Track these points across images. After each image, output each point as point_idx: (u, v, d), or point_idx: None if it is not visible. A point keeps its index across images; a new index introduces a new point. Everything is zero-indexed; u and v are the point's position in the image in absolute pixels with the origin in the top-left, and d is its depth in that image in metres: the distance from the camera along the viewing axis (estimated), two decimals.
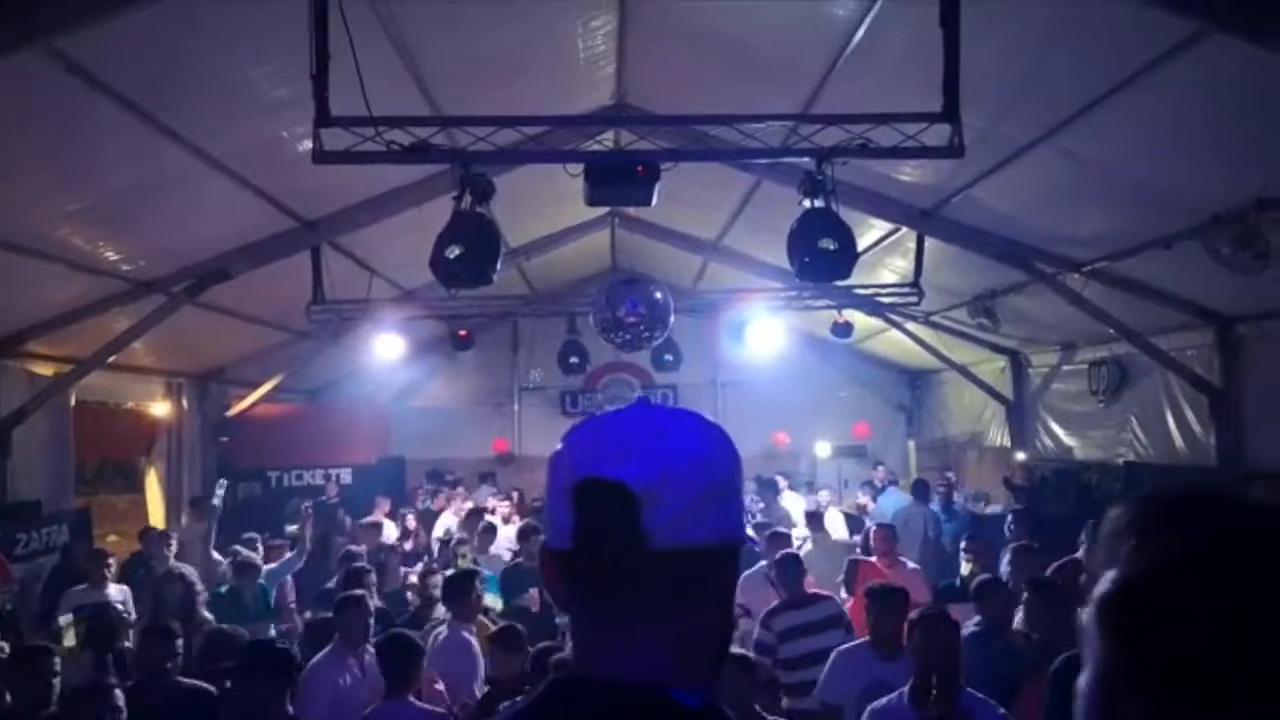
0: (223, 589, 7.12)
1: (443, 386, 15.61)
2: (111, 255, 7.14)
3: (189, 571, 6.63)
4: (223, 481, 8.23)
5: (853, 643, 5.08)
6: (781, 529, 8.32)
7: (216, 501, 7.87)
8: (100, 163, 5.88)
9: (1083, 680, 0.81)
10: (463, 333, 12.54)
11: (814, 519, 9.45)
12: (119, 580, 7.41)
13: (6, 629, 6.25)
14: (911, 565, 7.50)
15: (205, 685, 4.55)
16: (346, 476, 12.66)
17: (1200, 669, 0.72)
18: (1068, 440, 10.91)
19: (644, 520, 0.97)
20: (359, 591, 5.75)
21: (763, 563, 7.39)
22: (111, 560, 7.44)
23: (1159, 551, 0.77)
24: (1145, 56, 4.79)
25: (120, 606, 6.74)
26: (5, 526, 7.50)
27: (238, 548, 8.14)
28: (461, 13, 5.76)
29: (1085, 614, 0.82)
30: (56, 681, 4.15)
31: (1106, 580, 0.79)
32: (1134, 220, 6.83)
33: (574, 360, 13.36)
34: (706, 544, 1.00)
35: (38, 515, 7.96)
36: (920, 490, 10.85)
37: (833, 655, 4.90)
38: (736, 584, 1.10)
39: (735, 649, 4.51)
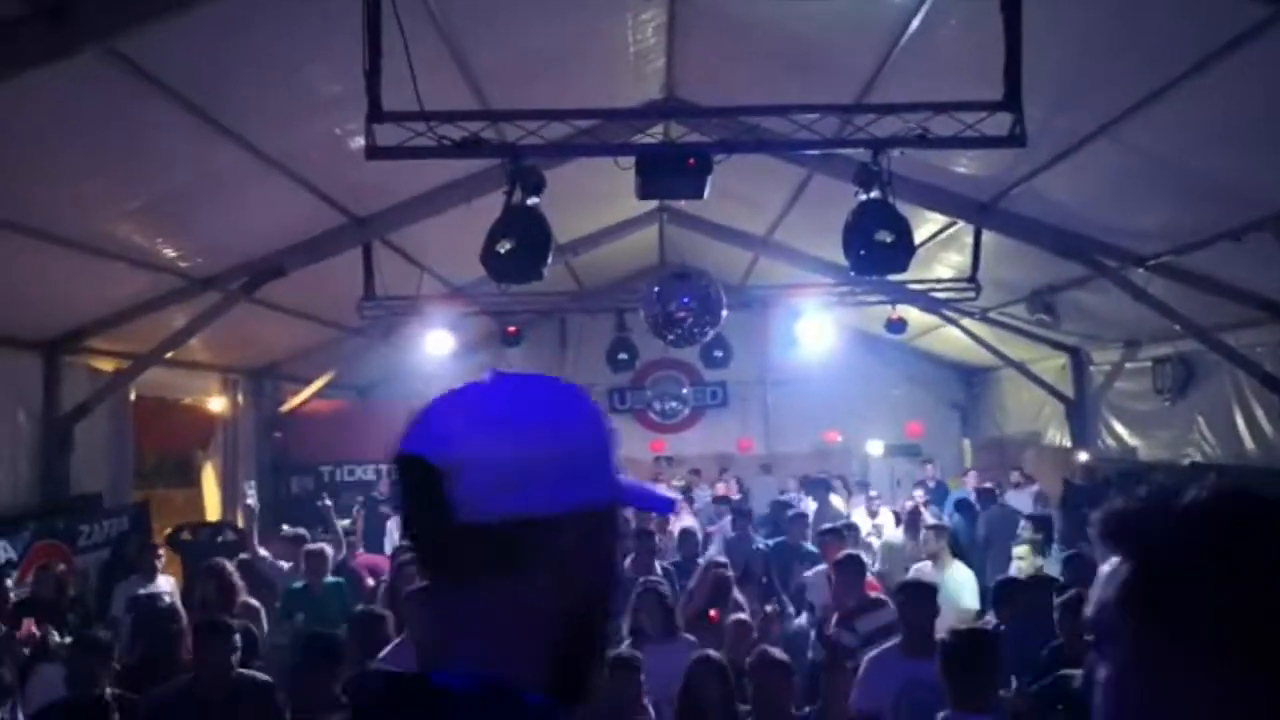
0: (297, 584, 6.97)
1: None
2: (170, 252, 7.26)
3: (223, 565, 6.61)
4: (251, 482, 8.35)
5: (883, 646, 4.95)
6: (835, 526, 8.21)
7: (251, 502, 7.97)
8: (159, 162, 5.97)
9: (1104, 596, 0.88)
10: (512, 329, 12.56)
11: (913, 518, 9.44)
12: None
13: (74, 618, 6.38)
14: (964, 569, 7.34)
15: (263, 676, 4.59)
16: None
17: None
18: (1131, 440, 10.63)
19: (449, 493, 0.93)
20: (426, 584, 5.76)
21: (822, 565, 7.30)
22: (162, 552, 7.56)
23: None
24: (1212, 43, 4.61)
25: (169, 598, 6.81)
26: (69, 519, 7.68)
27: (293, 531, 8.15)
28: (511, 7, 5.76)
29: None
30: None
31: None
32: (1201, 212, 6.60)
33: (622, 357, 13.31)
34: (530, 515, 0.94)
35: (99, 508, 8.15)
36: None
37: (864, 662, 4.78)
38: (594, 562, 1.00)
39: (711, 652, 4.47)
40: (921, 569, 7.16)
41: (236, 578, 6.37)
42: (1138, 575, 0.85)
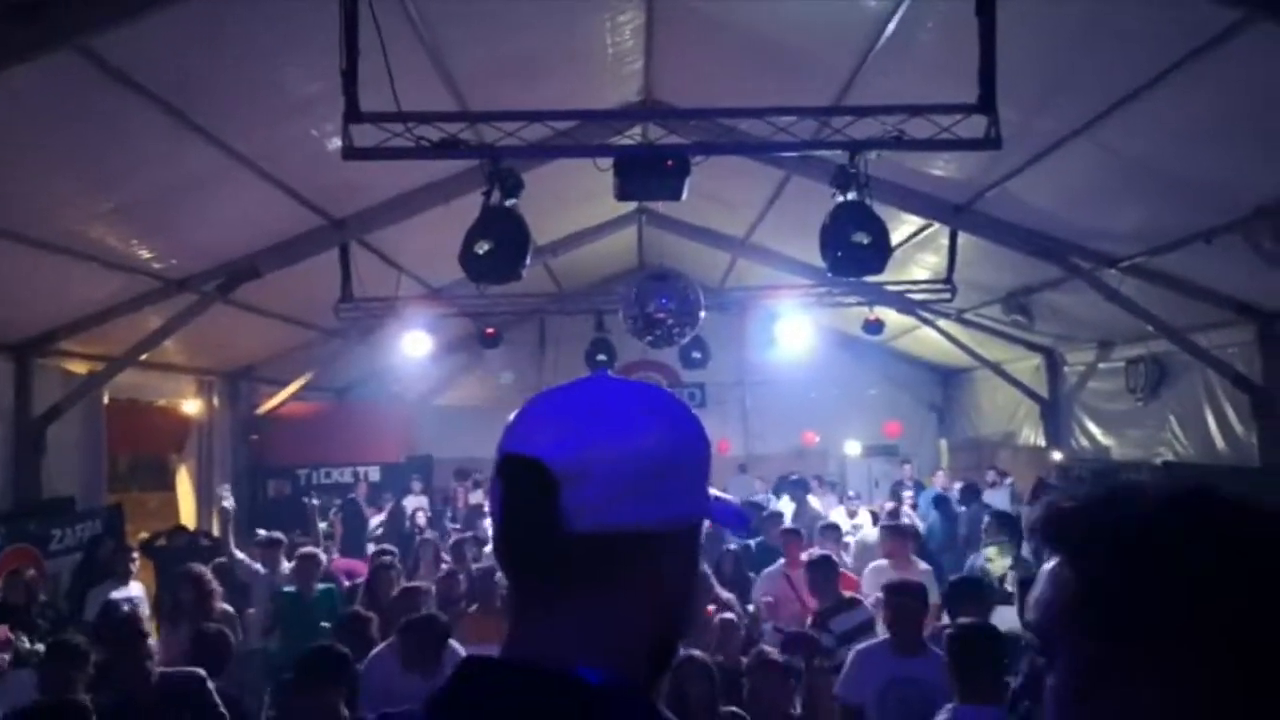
0: (289, 589, 6.88)
1: (470, 384, 15.65)
2: (144, 254, 7.19)
3: (202, 571, 6.55)
4: (226, 485, 8.32)
5: (871, 641, 5.03)
6: (797, 527, 8.24)
7: (227, 504, 7.91)
8: (133, 162, 5.92)
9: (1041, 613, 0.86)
10: (490, 330, 12.54)
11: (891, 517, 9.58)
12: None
13: (44, 623, 6.31)
14: (923, 566, 7.40)
15: (193, 670, 4.55)
16: (374, 474, 12.71)
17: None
18: (1104, 440, 10.74)
19: (564, 500, 0.91)
20: (419, 583, 5.84)
21: (781, 561, 7.35)
22: (136, 556, 7.49)
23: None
24: (1185, 47, 4.67)
25: (132, 604, 6.74)
26: (40, 523, 7.59)
27: (263, 535, 8.06)
28: (489, 9, 5.74)
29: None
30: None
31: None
32: (1173, 214, 6.68)
33: (601, 358, 13.31)
34: (640, 527, 0.93)
35: (71, 512, 8.04)
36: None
37: (851, 655, 4.85)
38: (684, 573, 1.01)
39: (695, 651, 4.52)
40: (878, 567, 7.21)
41: (215, 584, 6.32)
42: (1086, 583, 0.82)
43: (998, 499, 10.71)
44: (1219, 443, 8.34)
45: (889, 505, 11.21)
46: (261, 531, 8.46)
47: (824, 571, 6.27)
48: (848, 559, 8.68)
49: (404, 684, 4.72)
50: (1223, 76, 4.78)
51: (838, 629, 5.81)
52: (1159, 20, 4.63)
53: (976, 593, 5.43)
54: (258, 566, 7.53)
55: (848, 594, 6.30)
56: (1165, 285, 7.62)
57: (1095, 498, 0.87)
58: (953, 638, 3.94)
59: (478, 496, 12.21)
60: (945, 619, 5.63)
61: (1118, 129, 5.73)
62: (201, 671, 4.48)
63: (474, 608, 6.36)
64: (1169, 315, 7.98)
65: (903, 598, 4.90)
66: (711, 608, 5.95)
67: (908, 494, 11.66)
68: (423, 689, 4.45)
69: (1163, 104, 5.24)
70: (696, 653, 4.54)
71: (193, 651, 5.02)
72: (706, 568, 6.74)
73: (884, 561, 7.30)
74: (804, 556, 7.03)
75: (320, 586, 6.90)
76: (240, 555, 7.58)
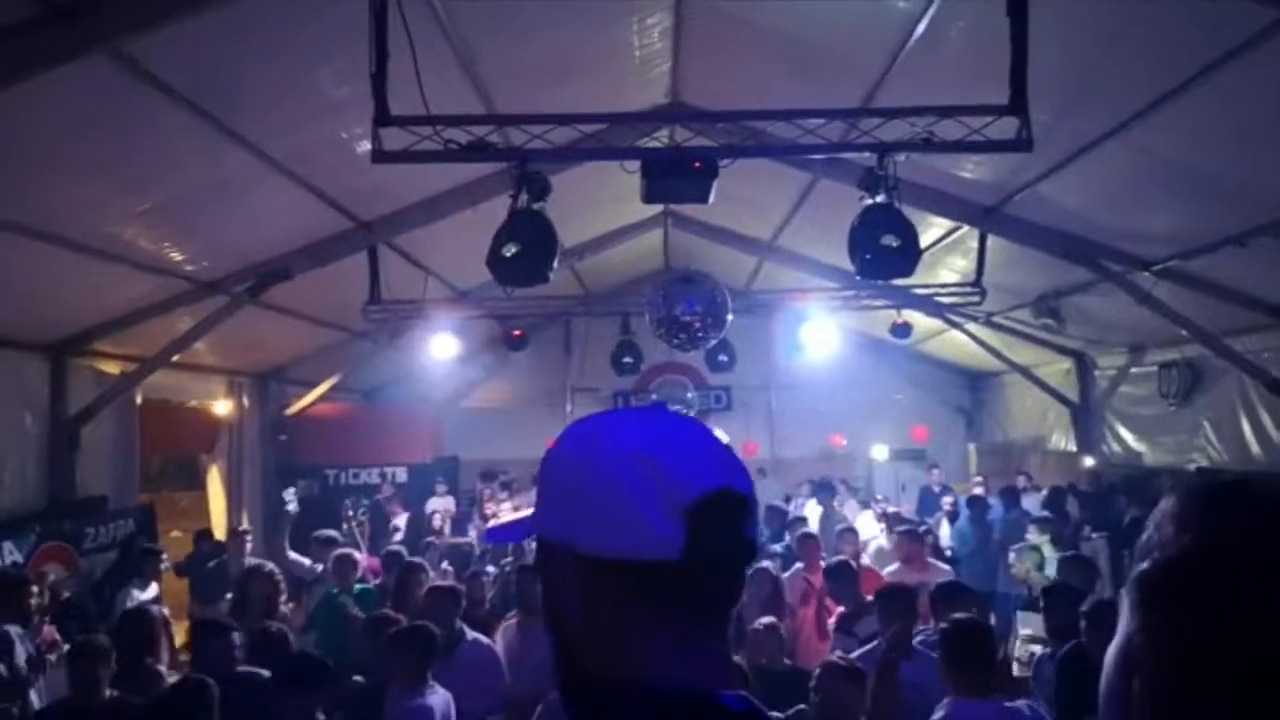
0: (335, 591, 6.82)
1: (496, 386, 15.70)
2: (176, 256, 7.28)
3: (274, 569, 6.57)
4: (291, 490, 8.38)
5: (867, 647, 4.97)
6: (810, 531, 8.20)
7: (290, 507, 7.96)
8: (166, 165, 5.99)
9: (1111, 648, 0.84)
10: (517, 332, 12.57)
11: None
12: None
13: (74, 621, 6.39)
14: (943, 567, 7.35)
15: (259, 670, 4.57)
16: (402, 475, 12.78)
17: (1211, 656, 0.74)
18: (1136, 445, 10.60)
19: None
20: (449, 583, 5.91)
21: (799, 565, 7.32)
22: (165, 557, 7.57)
23: (1197, 536, 0.79)
24: (1220, 48, 4.61)
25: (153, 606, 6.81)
26: (74, 521, 7.69)
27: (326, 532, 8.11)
28: (517, 13, 5.76)
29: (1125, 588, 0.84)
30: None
31: (1149, 559, 0.82)
32: (1207, 217, 6.59)
33: (627, 360, 13.33)
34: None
35: (105, 511, 8.15)
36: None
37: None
38: None
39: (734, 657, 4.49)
40: (894, 571, 7.16)
41: (284, 583, 6.36)
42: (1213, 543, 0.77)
43: (1029, 506, 10.57)
44: (1254, 448, 8.22)
45: (891, 509, 11.13)
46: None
47: (843, 577, 6.23)
48: (867, 561, 8.62)
49: (398, 697, 4.71)
50: (1258, 77, 4.70)
51: (862, 633, 5.77)
52: (1193, 20, 4.57)
53: (961, 596, 5.40)
54: (318, 566, 7.58)
55: (869, 597, 6.25)
56: (1198, 288, 7.51)
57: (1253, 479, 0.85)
58: (946, 634, 3.95)
59: (505, 498, 12.24)
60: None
61: (1150, 130, 5.66)
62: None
63: (513, 615, 6.17)
64: (1202, 319, 7.86)
65: (890, 602, 4.87)
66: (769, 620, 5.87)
67: (947, 500, 11.42)
68: (408, 704, 4.48)
69: (1196, 105, 5.16)
70: (734, 658, 4.50)
71: (252, 650, 4.98)
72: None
73: (901, 565, 7.26)
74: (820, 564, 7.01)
75: (359, 587, 6.94)
76: (295, 556, 7.65)
